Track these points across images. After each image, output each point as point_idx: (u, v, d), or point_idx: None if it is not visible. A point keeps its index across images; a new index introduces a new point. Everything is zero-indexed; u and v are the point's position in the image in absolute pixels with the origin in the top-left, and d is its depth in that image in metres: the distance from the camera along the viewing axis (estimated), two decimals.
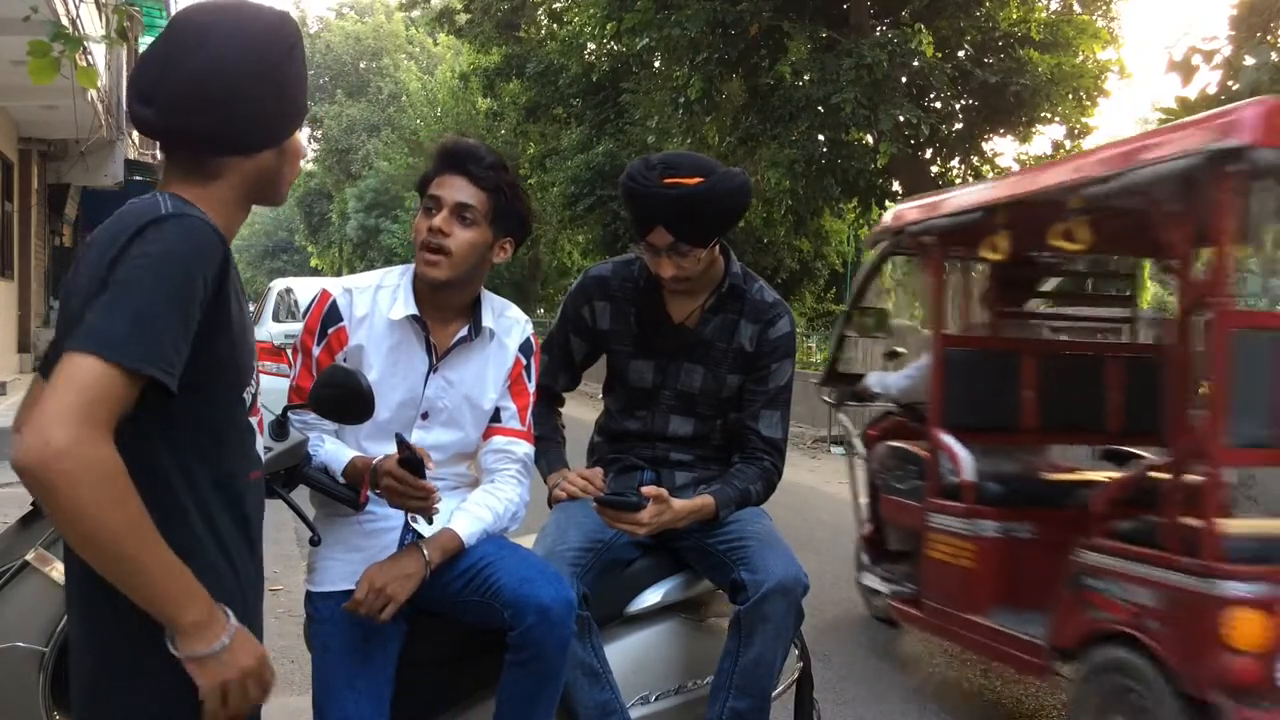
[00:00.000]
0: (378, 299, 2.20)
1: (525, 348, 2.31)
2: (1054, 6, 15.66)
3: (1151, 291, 26.29)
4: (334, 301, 2.20)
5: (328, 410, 1.98)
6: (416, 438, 2.19)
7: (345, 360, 2.15)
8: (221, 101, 1.39)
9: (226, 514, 1.44)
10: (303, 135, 1.59)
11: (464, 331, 2.22)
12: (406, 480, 1.98)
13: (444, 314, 2.22)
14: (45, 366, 1.42)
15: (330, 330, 2.19)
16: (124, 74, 14.85)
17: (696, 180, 2.30)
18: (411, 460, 1.97)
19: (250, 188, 1.48)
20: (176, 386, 1.30)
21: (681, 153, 2.56)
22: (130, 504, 1.25)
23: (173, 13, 16.48)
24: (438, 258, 2.13)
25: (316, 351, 2.18)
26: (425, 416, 2.21)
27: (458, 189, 2.16)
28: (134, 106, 1.43)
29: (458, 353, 2.22)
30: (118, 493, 1.24)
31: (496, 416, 2.28)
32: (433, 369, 2.20)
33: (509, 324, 2.30)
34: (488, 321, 2.24)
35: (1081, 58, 14.48)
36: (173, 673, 1.34)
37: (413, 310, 2.18)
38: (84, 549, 1.26)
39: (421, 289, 2.21)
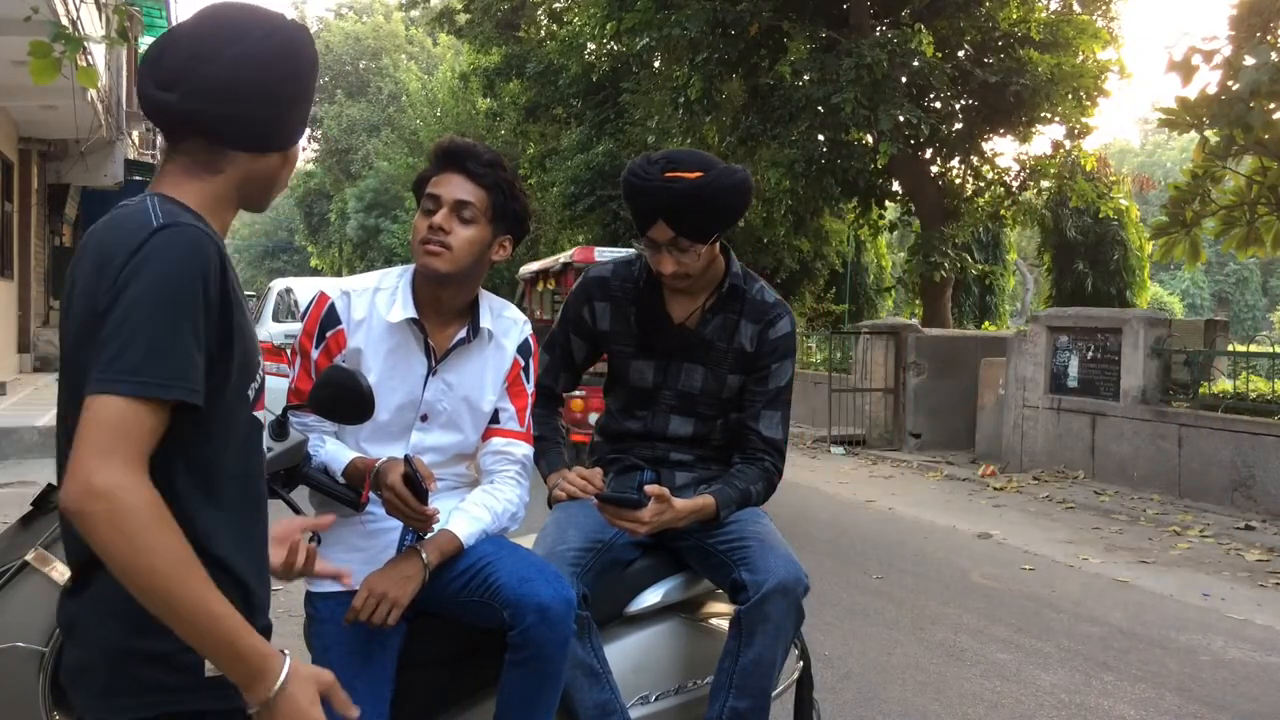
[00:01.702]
0: (376, 301, 2.20)
1: (523, 348, 2.31)
2: (1054, 6, 15.66)
3: (1151, 292, 26.07)
4: (332, 304, 2.19)
5: (327, 411, 1.98)
6: (416, 440, 2.20)
7: (344, 363, 2.15)
8: (252, 96, 1.43)
9: (239, 511, 1.44)
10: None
11: (462, 333, 2.22)
12: (407, 501, 1.99)
13: (443, 316, 2.22)
14: (63, 401, 1.40)
15: (328, 334, 2.18)
16: (124, 74, 14.85)
17: (697, 174, 2.31)
18: (414, 480, 1.98)
19: (248, 187, 1.49)
20: (202, 400, 1.31)
21: (684, 149, 2.56)
22: (169, 548, 1.25)
23: (173, 13, 16.50)
24: (439, 249, 2.13)
25: (315, 354, 2.18)
26: (425, 419, 2.21)
27: (456, 187, 2.16)
28: (151, 92, 1.43)
29: (456, 355, 2.22)
30: (156, 536, 1.24)
31: (495, 418, 2.28)
32: (432, 371, 2.20)
33: (507, 325, 2.30)
34: (486, 323, 2.24)
35: (1081, 58, 14.47)
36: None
37: (411, 313, 2.18)
38: (132, 590, 1.26)
39: (420, 290, 2.20)
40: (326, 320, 2.19)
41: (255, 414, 1.49)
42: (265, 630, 1.49)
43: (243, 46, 1.42)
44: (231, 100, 1.42)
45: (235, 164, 1.46)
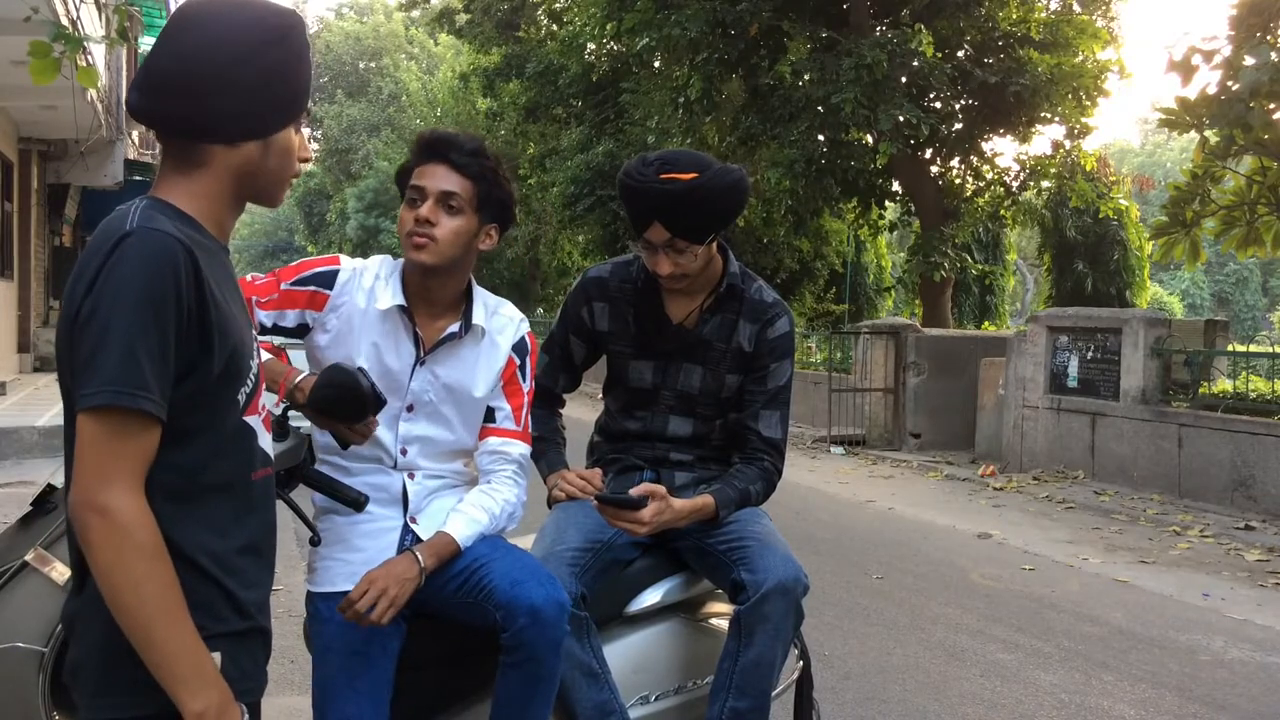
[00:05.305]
0: (375, 289, 2.21)
1: (519, 347, 2.31)
2: (1054, 6, 15.67)
3: (1151, 292, 26.15)
4: (336, 271, 2.20)
5: (328, 410, 1.98)
6: (404, 430, 2.21)
7: (328, 332, 2.17)
8: (199, 86, 1.40)
9: (223, 514, 1.43)
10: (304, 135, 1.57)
11: (454, 328, 2.22)
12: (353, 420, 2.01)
13: (433, 307, 2.22)
14: (66, 405, 1.40)
15: (312, 287, 2.18)
16: (124, 74, 14.86)
17: (692, 176, 2.31)
18: (363, 394, 1.97)
19: (238, 182, 1.47)
20: (166, 414, 1.32)
21: (679, 150, 2.55)
22: (151, 574, 1.29)
23: (173, 12, 16.51)
24: (424, 240, 2.13)
25: (284, 286, 2.18)
26: (411, 409, 2.21)
27: (440, 178, 2.16)
28: (129, 93, 1.44)
29: (446, 348, 2.22)
30: (149, 567, 1.29)
31: (491, 417, 2.28)
32: (419, 361, 2.21)
33: (503, 322, 2.30)
34: (479, 319, 2.24)
35: (1081, 58, 14.48)
36: None
37: (400, 301, 2.18)
38: (112, 609, 1.30)
39: (410, 280, 2.21)
40: (319, 278, 2.19)
41: (246, 419, 1.46)
42: (260, 633, 1.48)
43: (189, 36, 1.41)
44: (181, 93, 1.40)
45: (213, 158, 1.44)
